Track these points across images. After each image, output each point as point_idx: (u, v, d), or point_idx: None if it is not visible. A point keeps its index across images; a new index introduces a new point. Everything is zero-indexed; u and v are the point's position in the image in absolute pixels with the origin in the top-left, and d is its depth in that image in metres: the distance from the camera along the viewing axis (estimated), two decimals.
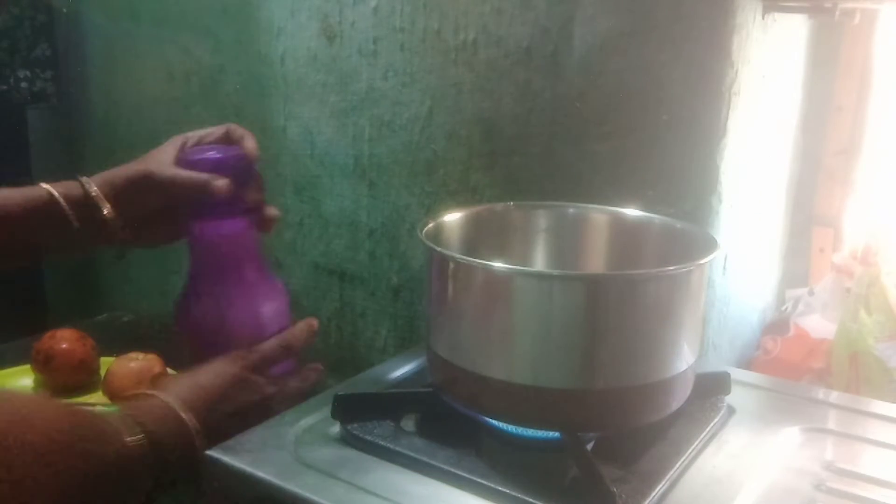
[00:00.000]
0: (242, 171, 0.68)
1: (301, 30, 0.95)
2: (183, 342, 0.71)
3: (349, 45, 0.91)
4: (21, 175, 1.21)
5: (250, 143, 0.70)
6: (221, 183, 0.66)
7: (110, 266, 1.26)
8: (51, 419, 0.47)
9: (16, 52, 1.22)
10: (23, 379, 0.91)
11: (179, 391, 0.61)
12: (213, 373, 0.63)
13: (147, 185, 0.67)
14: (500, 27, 0.80)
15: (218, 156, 0.67)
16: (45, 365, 0.88)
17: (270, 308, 0.71)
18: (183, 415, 0.59)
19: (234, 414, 0.62)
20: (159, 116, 1.15)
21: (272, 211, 0.72)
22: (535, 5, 0.77)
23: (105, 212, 0.66)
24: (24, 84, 1.24)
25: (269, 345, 0.68)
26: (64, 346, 0.88)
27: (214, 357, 0.66)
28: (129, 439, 0.54)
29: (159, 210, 0.69)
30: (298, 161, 1.00)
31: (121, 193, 0.67)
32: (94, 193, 0.66)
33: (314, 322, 0.73)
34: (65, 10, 1.25)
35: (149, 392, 0.60)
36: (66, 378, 0.88)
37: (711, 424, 0.62)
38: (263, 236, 0.73)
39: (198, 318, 0.69)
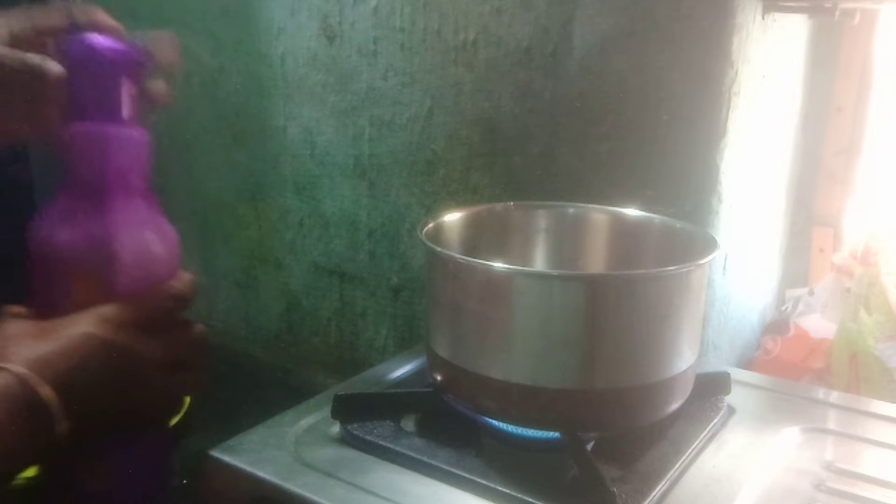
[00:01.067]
0: (125, 68, 0.55)
1: (301, 30, 0.95)
2: (30, 274, 0.55)
3: (349, 45, 0.91)
4: (21, 176, 1.21)
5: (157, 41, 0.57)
6: (56, 68, 0.52)
7: None
8: None
9: None
10: None
11: (32, 358, 0.47)
12: (71, 335, 0.48)
13: None
14: (500, 27, 0.80)
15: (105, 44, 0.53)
16: None
17: (144, 243, 0.54)
18: (39, 391, 0.46)
19: (101, 388, 0.49)
20: (159, 116, 1.15)
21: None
22: (535, 5, 0.77)
23: None
24: None
25: (153, 296, 0.53)
26: None
27: (58, 293, 0.52)
28: None
29: None
30: (298, 161, 1.00)
31: None
32: None
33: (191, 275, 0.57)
34: None
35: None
36: None
37: (711, 424, 0.62)
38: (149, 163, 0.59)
39: (46, 241, 0.53)
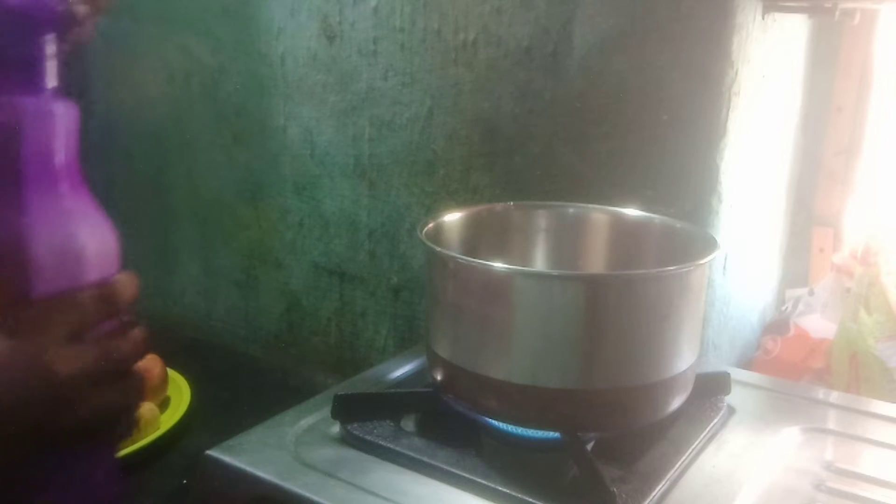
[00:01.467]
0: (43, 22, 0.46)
1: (301, 30, 0.95)
2: None
3: (349, 45, 0.91)
4: None
5: None
6: None
7: None
8: None
9: None
10: None
11: None
12: None
13: None
14: (500, 27, 0.80)
15: None
16: None
17: (68, 237, 0.46)
18: None
19: (8, 409, 0.42)
20: (159, 116, 1.15)
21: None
22: (535, 5, 0.77)
23: None
24: None
25: (78, 299, 0.46)
26: None
27: None
28: None
29: None
30: (298, 161, 1.00)
31: None
32: None
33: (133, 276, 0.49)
34: None
35: None
36: None
37: (711, 424, 0.62)
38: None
39: None
